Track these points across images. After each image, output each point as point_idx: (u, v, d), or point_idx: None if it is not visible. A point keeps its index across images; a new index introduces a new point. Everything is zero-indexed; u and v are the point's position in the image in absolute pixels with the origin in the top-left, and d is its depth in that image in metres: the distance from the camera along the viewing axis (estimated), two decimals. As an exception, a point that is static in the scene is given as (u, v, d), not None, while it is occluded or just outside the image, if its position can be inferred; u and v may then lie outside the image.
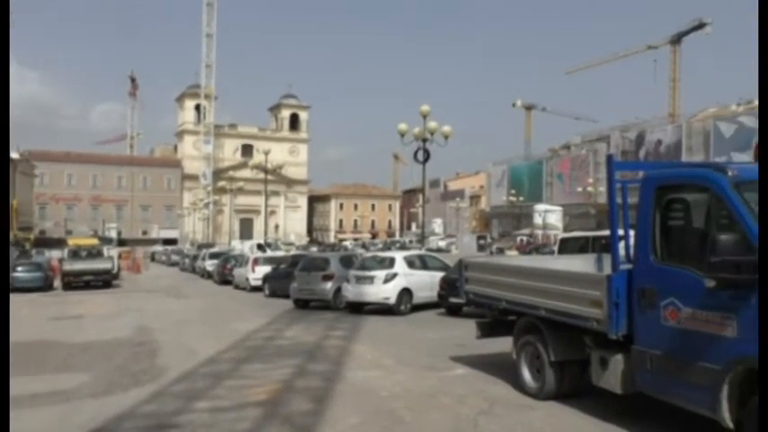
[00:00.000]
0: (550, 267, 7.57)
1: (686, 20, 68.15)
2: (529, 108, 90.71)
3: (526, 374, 7.13)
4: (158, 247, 64.90)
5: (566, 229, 48.52)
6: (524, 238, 59.79)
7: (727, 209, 4.79)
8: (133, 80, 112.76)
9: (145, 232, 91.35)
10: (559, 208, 60.98)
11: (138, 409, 6.88)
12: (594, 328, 5.90)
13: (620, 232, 6.13)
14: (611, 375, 5.79)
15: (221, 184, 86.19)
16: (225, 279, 27.47)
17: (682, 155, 54.78)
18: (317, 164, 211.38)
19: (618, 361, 5.71)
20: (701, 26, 64.95)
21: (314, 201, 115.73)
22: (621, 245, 5.96)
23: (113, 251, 34.22)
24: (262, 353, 10.39)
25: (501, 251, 48.06)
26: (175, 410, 6.77)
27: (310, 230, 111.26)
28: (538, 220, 59.28)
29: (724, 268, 4.49)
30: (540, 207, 61.25)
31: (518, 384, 7.23)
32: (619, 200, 6.06)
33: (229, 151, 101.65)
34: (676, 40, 67.58)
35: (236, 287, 25.16)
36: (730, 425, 4.59)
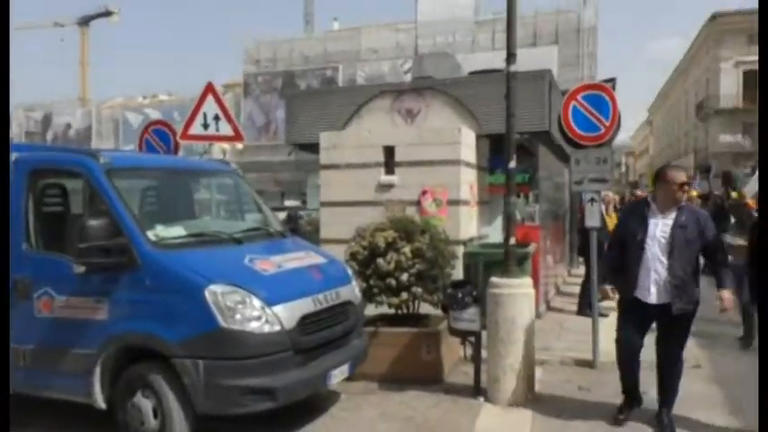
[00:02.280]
0: None
1: (95, 5, 68.18)
2: None
3: None
4: None
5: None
6: None
7: (99, 195, 4.84)
8: None
9: None
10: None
11: None
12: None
13: None
14: (-17, 382, 5.15)
15: None
16: None
17: (92, 140, 54.81)
18: None
19: (-11, 365, 5.11)
20: (108, 14, 66.10)
21: None
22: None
23: None
24: None
25: None
26: None
27: None
28: None
29: (93, 253, 4.55)
30: None
31: None
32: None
33: None
34: (84, 22, 66.80)
35: None
36: (103, 406, 4.67)
